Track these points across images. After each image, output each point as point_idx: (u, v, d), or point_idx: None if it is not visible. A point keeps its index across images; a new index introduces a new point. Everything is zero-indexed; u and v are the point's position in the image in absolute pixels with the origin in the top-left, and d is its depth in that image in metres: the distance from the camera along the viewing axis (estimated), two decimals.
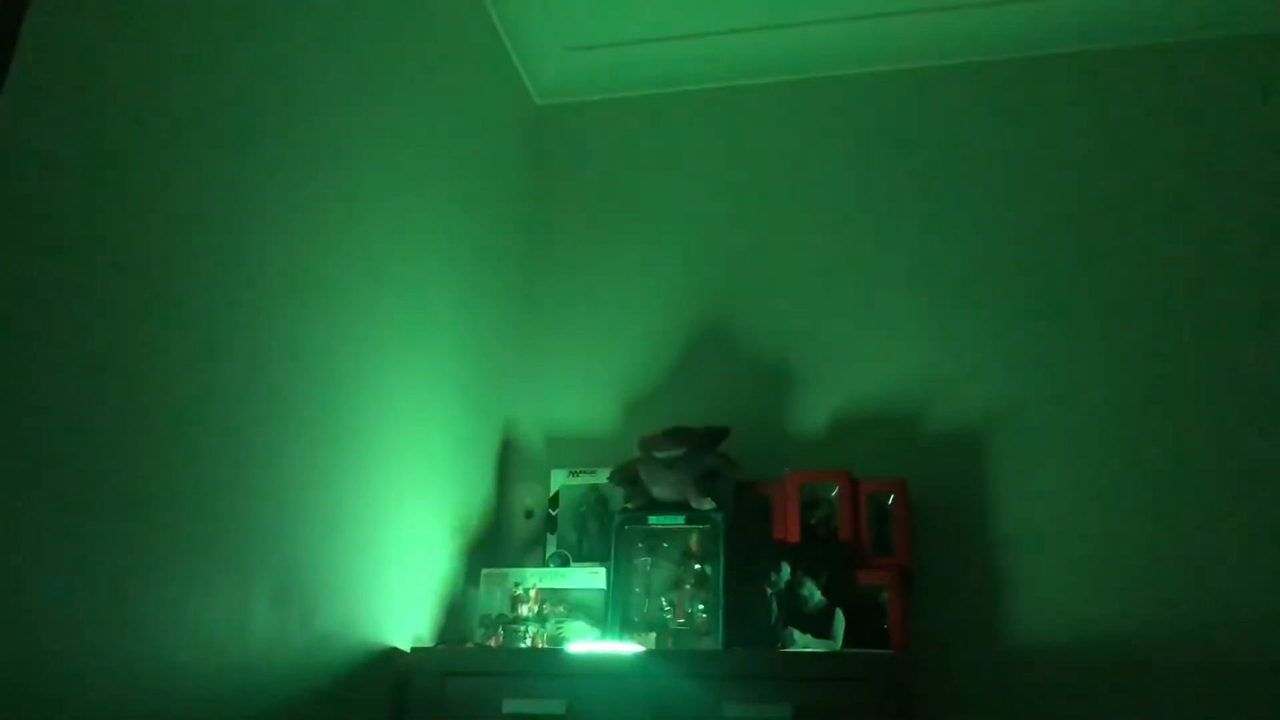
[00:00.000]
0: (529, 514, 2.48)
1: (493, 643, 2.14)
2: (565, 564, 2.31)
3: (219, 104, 1.59)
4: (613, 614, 2.20)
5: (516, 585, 2.22)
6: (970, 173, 2.62)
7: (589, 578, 2.25)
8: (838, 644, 2.04)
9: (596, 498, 2.40)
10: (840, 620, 2.06)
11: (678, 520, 2.26)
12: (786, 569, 2.14)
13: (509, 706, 1.95)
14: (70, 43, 1.30)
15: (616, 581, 2.23)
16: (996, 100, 2.67)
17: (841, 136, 2.74)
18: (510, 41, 2.72)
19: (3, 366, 1.19)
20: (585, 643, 2.12)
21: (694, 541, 2.25)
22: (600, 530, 2.36)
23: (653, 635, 2.16)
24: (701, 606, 2.19)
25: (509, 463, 2.57)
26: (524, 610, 2.17)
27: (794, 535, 2.22)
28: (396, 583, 2.07)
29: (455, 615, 2.27)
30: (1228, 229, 2.43)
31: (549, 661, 2.03)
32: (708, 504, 2.24)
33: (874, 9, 2.69)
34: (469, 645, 2.18)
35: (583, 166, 2.87)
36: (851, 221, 2.65)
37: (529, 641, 2.13)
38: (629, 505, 2.31)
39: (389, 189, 2.10)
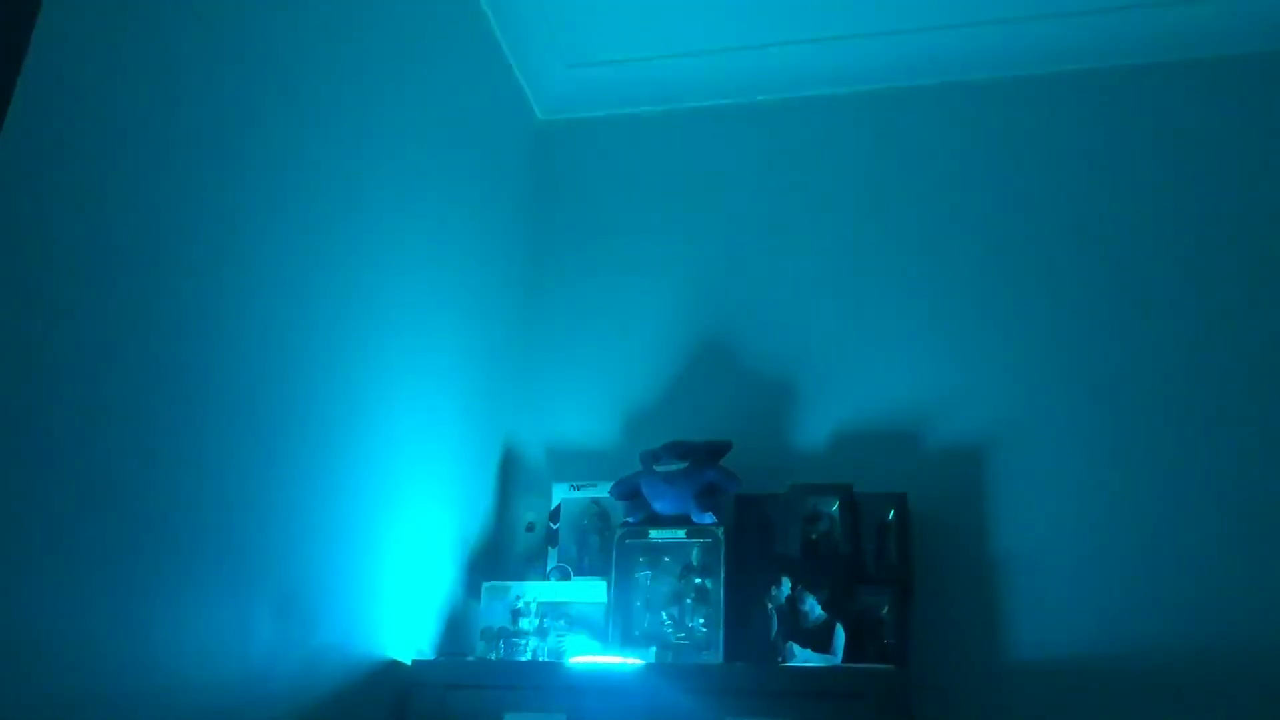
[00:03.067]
0: (530, 527, 2.48)
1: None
2: (566, 578, 2.32)
3: (218, 114, 1.60)
4: (613, 628, 2.20)
5: (518, 599, 2.22)
6: (973, 190, 2.63)
7: (590, 591, 2.25)
8: (838, 659, 2.04)
9: (598, 511, 2.41)
10: (840, 635, 2.06)
11: (678, 534, 2.26)
12: (787, 583, 2.14)
13: None
14: (77, 50, 1.32)
15: (617, 595, 2.24)
16: (1000, 117, 2.68)
17: (843, 153, 2.75)
18: (513, 57, 2.74)
19: (2, 373, 1.20)
20: (586, 656, 2.13)
21: (695, 556, 2.25)
22: (601, 544, 2.36)
23: (653, 649, 2.16)
24: (702, 621, 2.20)
25: (510, 476, 2.58)
26: (525, 624, 2.17)
27: (794, 550, 2.22)
28: (398, 595, 2.08)
29: (456, 628, 2.27)
30: (1234, 247, 2.44)
31: (550, 675, 2.03)
32: (708, 518, 2.25)
33: (877, 27, 2.69)
34: (470, 658, 2.18)
35: (585, 181, 2.88)
36: (853, 237, 2.65)
37: (530, 655, 2.14)
38: (630, 519, 2.31)
39: (390, 202, 2.12)
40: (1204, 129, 2.55)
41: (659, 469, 2.29)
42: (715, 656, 2.13)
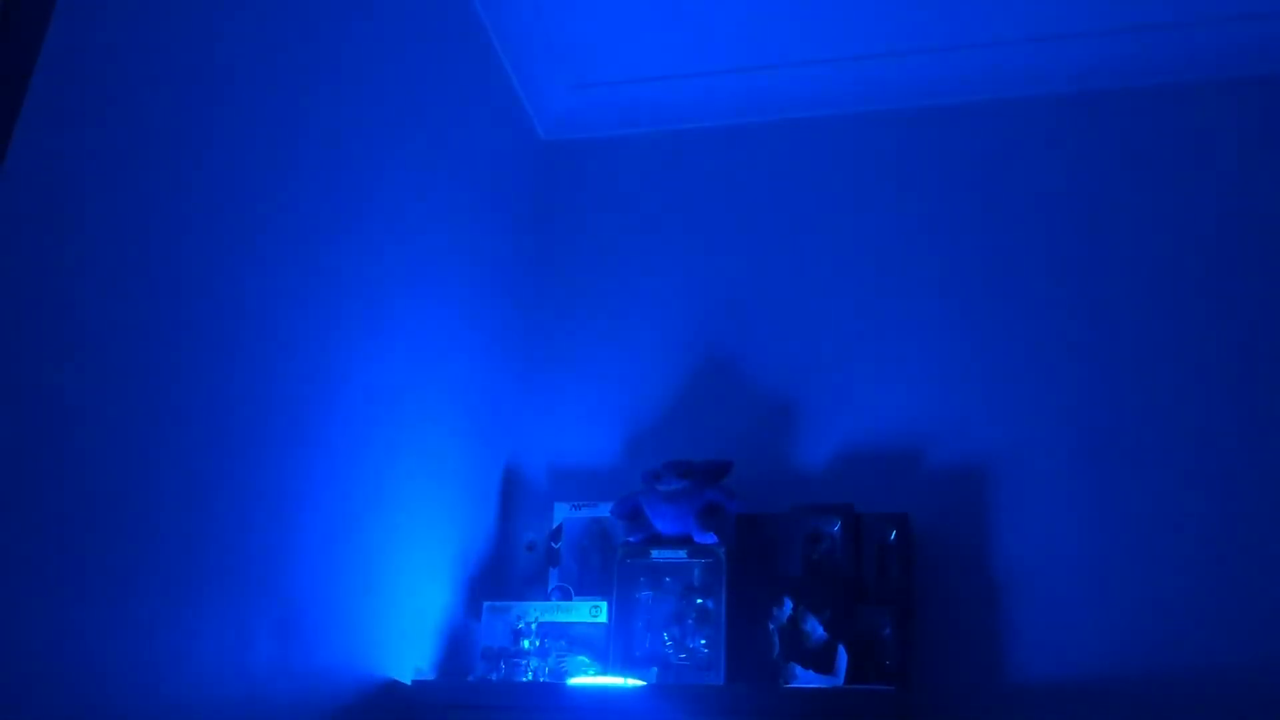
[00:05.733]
0: (531, 547, 2.47)
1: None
2: (567, 598, 2.31)
3: (220, 126, 1.61)
4: (614, 648, 2.20)
5: (519, 619, 2.22)
6: (977, 212, 2.63)
7: (591, 612, 2.24)
8: (840, 680, 2.03)
9: (599, 531, 2.40)
10: (842, 656, 2.05)
11: (680, 554, 2.26)
12: (789, 604, 2.13)
13: None
14: (88, 56, 1.32)
15: (618, 616, 2.23)
16: (1004, 139, 2.69)
17: (848, 174, 2.75)
18: (516, 77, 2.75)
19: (4, 382, 1.20)
20: (587, 677, 2.12)
21: (696, 576, 2.25)
22: (602, 564, 2.35)
23: (654, 670, 2.15)
24: (703, 641, 2.19)
25: (512, 495, 2.57)
26: (526, 644, 2.17)
27: (796, 570, 2.22)
28: (398, 615, 2.07)
29: (457, 648, 2.26)
30: (1240, 269, 2.44)
31: (551, 696, 2.03)
32: (710, 538, 2.24)
33: (882, 49, 2.71)
34: (471, 679, 2.17)
35: (587, 201, 2.89)
36: (857, 258, 2.66)
37: (531, 675, 2.13)
38: (631, 539, 2.31)
39: (391, 220, 2.12)
40: (1207, 152, 2.56)
41: (660, 488, 2.29)
42: (717, 677, 2.12)
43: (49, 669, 1.24)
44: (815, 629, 2.10)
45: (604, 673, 2.15)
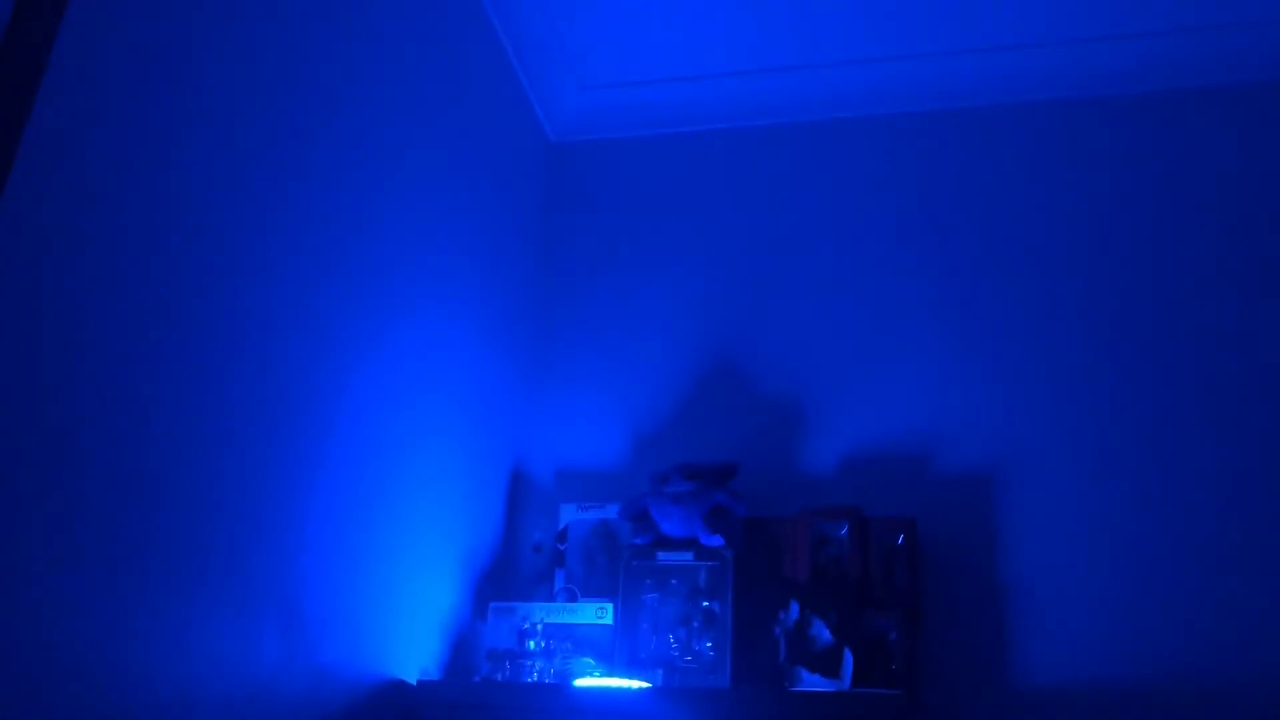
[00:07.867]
0: (538, 548, 2.47)
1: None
2: (573, 599, 2.31)
3: (228, 128, 1.61)
4: (620, 650, 2.20)
5: (525, 620, 2.22)
6: (985, 216, 2.63)
7: (597, 613, 2.24)
8: (846, 684, 2.03)
9: (605, 533, 2.40)
10: (848, 660, 2.04)
11: (686, 557, 2.25)
12: (795, 607, 2.13)
13: None
14: (97, 57, 1.33)
15: (624, 617, 2.23)
16: (1009, 143, 2.69)
17: (857, 178, 2.75)
18: (526, 79, 2.76)
19: (7, 381, 1.20)
20: (592, 679, 2.12)
21: (702, 578, 2.24)
22: (609, 565, 2.35)
23: (660, 672, 2.15)
24: (709, 644, 2.19)
25: (519, 497, 2.58)
26: (531, 645, 2.17)
27: (803, 573, 2.21)
28: (404, 615, 2.07)
29: (463, 649, 2.26)
30: (1243, 278, 2.43)
31: (555, 697, 2.03)
32: (717, 540, 2.24)
33: (891, 52, 2.71)
34: (476, 679, 2.17)
35: (596, 203, 2.89)
36: (865, 261, 2.66)
37: (536, 676, 2.13)
38: (637, 541, 2.30)
39: (400, 222, 2.13)
40: (1207, 157, 2.55)
41: (667, 490, 2.29)
42: (722, 680, 2.12)
43: (55, 666, 1.25)
44: (821, 632, 2.10)
45: (609, 675, 2.14)
